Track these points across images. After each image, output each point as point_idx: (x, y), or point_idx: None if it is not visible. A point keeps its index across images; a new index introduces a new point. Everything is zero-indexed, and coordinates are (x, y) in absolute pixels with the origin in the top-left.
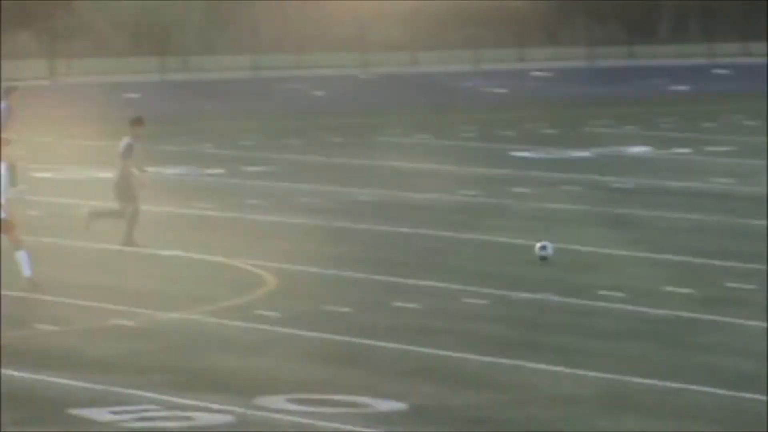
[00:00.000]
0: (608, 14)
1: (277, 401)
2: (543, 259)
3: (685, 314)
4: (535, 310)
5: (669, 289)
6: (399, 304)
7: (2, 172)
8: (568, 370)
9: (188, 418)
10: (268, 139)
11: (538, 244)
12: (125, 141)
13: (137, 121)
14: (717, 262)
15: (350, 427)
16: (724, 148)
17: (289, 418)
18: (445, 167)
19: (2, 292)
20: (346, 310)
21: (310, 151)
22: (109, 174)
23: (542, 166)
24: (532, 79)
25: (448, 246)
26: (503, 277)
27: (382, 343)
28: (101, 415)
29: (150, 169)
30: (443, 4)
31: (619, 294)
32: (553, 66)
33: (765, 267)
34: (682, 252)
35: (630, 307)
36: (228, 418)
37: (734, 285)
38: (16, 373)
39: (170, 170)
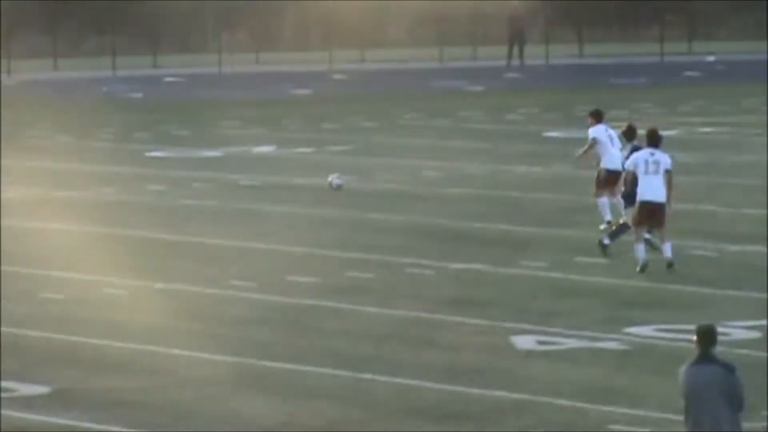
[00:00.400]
0: (236, 23)
1: None
2: (338, 187)
3: (308, 302)
4: (173, 300)
5: (294, 278)
6: (46, 295)
7: None
8: (203, 355)
9: None
10: None
11: (331, 177)
12: None
13: None
14: (338, 253)
15: None
16: (344, 147)
17: None
18: (86, 167)
19: None
20: None
21: None
22: None
23: (175, 166)
24: (166, 84)
25: (89, 240)
26: (143, 269)
27: (30, 332)
28: None
29: None
30: (81, 13)
31: (250, 283)
32: (185, 72)
33: (382, 257)
34: (307, 244)
35: (259, 296)
36: None
37: (353, 274)
38: None
39: None
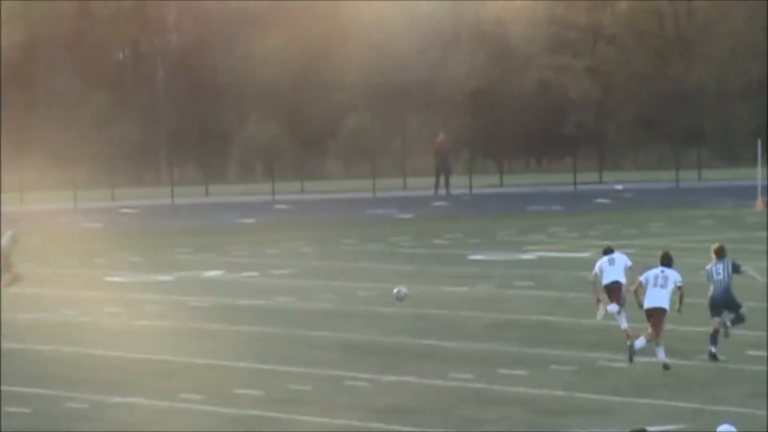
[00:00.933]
0: (186, 159)
1: None
2: (400, 299)
3: (253, 412)
4: (130, 413)
5: (241, 391)
6: (9, 409)
7: None
8: None
9: None
10: None
11: (395, 289)
12: None
13: None
14: (280, 368)
15: None
16: (286, 271)
17: None
18: (50, 291)
19: None
20: None
21: None
22: None
23: (131, 289)
24: (122, 215)
25: (53, 359)
26: (102, 384)
27: None
28: None
29: None
30: (45, 149)
31: (199, 396)
32: (140, 203)
33: (321, 371)
34: (252, 360)
35: (208, 407)
36: None
37: (295, 387)
38: None
39: None
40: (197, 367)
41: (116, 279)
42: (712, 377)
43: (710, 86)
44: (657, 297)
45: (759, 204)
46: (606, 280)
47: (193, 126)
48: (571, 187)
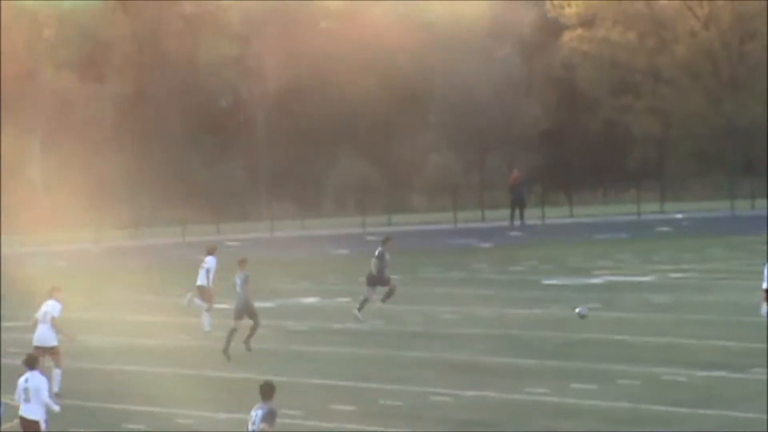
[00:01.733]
0: (284, 195)
1: None
2: (582, 317)
3: (349, 426)
4: (235, 426)
5: (337, 407)
6: (129, 426)
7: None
8: None
9: None
10: None
11: (577, 309)
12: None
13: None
14: (373, 385)
15: None
16: (376, 297)
17: None
18: (163, 318)
19: None
20: None
21: None
22: None
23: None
24: (227, 248)
25: (166, 379)
26: (211, 402)
27: None
28: None
29: None
30: (156, 188)
31: (298, 412)
32: (243, 237)
33: (409, 388)
34: (347, 378)
35: (307, 422)
36: None
37: (386, 402)
38: None
39: None
40: (297, 385)
41: (223, 307)
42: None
43: (760, 122)
44: None
45: None
46: None
47: (291, 165)
48: (635, 217)
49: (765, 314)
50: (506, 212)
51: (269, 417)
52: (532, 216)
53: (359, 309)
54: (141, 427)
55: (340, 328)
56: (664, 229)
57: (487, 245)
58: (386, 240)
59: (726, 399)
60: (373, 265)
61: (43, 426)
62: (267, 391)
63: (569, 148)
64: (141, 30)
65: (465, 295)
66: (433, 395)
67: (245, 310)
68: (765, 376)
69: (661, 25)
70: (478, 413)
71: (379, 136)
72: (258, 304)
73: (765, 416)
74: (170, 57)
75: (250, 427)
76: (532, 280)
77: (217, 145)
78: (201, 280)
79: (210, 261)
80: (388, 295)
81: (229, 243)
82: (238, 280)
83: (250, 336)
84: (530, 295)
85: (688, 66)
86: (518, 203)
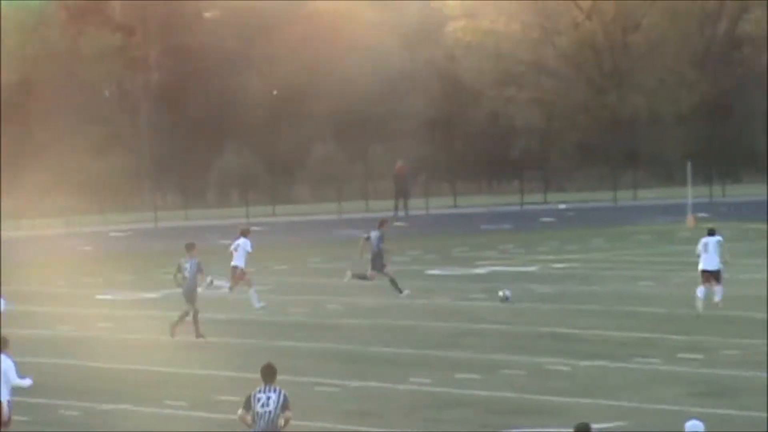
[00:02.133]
0: (168, 186)
1: None
2: (505, 299)
3: (233, 417)
4: (120, 419)
5: (221, 398)
6: None
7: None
8: None
9: None
10: None
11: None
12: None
13: None
14: (257, 376)
15: None
16: (260, 287)
17: None
18: (44, 308)
19: None
20: None
21: None
22: None
23: (123, 306)
24: (111, 238)
25: (46, 370)
26: (92, 393)
27: None
28: None
29: None
30: (40, 179)
31: (182, 403)
32: (127, 227)
33: (294, 378)
34: (232, 369)
35: (192, 413)
36: None
37: None
38: None
39: None
40: (181, 376)
41: (107, 297)
42: (648, 379)
43: (643, 114)
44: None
45: (689, 221)
46: None
47: (175, 155)
48: (518, 207)
49: (702, 296)
50: (390, 202)
51: (289, 403)
52: (416, 206)
53: (399, 291)
54: (24, 418)
55: (224, 319)
56: (548, 219)
57: None
58: (383, 222)
59: (608, 389)
60: (373, 246)
61: (5, 408)
62: (272, 373)
63: (453, 138)
64: (26, 20)
65: (349, 285)
66: (318, 385)
67: (190, 295)
68: (646, 366)
69: (545, 17)
70: (363, 403)
71: (262, 127)
72: (143, 295)
73: (645, 405)
74: (54, 47)
75: (259, 408)
76: (416, 270)
77: (101, 135)
78: (237, 261)
79: (245, 242)
80: (361, 278)
81: (113, 234)
82: (187, 265)
83: (177, 323)
84: (414, 285)
85: (572, 58)
86: (402, 193)
